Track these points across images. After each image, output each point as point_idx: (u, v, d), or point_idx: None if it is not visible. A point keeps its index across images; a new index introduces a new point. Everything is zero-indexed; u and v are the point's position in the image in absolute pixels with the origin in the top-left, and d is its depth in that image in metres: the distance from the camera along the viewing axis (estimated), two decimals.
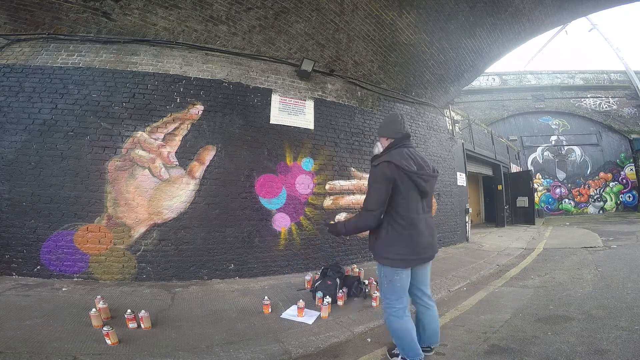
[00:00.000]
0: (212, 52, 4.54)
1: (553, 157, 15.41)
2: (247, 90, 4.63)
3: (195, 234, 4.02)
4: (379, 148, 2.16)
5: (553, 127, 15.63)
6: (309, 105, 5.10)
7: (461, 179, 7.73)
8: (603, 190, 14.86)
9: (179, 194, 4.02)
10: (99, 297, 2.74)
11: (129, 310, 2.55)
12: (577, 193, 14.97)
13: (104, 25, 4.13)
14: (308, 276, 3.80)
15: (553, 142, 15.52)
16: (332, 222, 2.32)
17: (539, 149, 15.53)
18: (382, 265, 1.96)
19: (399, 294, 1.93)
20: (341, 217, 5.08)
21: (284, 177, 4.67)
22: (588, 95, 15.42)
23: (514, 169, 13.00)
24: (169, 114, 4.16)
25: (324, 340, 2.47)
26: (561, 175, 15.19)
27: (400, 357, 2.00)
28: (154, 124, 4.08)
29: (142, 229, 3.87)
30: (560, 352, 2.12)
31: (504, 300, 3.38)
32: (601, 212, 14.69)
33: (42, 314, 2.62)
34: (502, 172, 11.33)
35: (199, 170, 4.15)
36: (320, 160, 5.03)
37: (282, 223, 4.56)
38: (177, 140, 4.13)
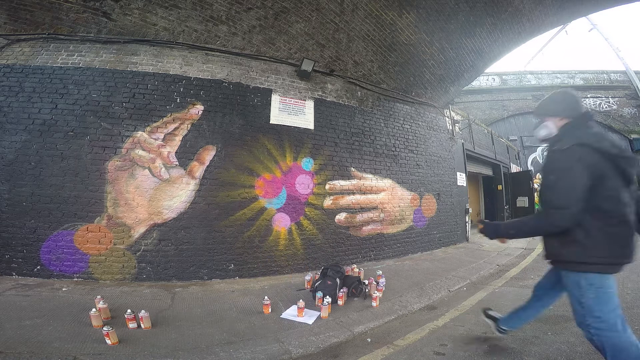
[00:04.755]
0: (212, 52, 4.54)
1: None
2: (247, 90, 4.63)
3: (195, 234, 4.02)
4: (549, 129, 1.73)
5: None
6: (309, 105, 5.10)
7: (461, 179, 7.72)
8: None
9: (179, 194, 4.02)
10: (98, 297, 2.75)
11: (129, 310, 2.55)
12: None
13: (104, 25, 4.13)
14: (308, 276, 3.80)
15: None
16: (487, 221, 1.88)
17: (539, 149, 15.52)
18: (581, 274, 1.55)
19: (614, 303, 1.57)
20: (341, 217, 5.08)
21: (284, 177, 4.67)
22: (588, 95, 15.42)
23: (514, 169, 12.99)
24: (169, 114, 4.16)
25: (324, 340, 2.47)
26: None
27: None
28: (154, 124, 4.08)
29: (142, 229, 3.87)
30: (560, 352, 2.12)
31: (504, 300, 3.38)
32: None
33: (42, 314, 2.62)
34: (502, 172, 11.33)
35: (199, 170, 4.15)
36: (320, 160, 5.03)
37: (282, 223, 4.56)
38: (177, 140, 4.13)
